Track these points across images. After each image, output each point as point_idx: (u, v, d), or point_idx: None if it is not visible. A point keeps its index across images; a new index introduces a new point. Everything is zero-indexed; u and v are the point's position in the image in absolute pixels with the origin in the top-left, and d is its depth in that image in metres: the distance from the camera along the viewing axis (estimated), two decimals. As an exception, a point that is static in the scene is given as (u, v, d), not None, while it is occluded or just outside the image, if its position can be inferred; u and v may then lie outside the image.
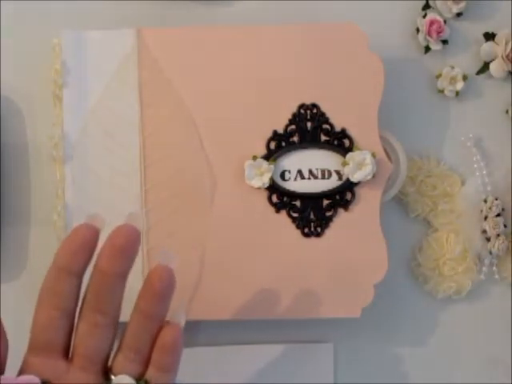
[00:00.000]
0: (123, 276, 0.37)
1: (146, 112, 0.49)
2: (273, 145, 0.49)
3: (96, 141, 0.49)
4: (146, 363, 0.38)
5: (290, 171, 0.49)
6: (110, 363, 0.38)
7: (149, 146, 0.49)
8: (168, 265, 0.37)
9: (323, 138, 0.49)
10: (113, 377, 0.38)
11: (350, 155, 0.48)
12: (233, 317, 0.49)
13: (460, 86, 0.52)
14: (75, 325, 0.38)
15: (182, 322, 0.39)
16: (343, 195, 0.48)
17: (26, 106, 0.52)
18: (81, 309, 0.37)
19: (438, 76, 0.52)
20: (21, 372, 0.37)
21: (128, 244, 0.36)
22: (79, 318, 0.37)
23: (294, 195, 0.48)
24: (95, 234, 0.36)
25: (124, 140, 0.49)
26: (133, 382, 0.37)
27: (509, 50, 0.51)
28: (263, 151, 0.49)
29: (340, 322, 0.51)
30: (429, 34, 0.51)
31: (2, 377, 0.35)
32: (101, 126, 0.49)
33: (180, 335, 0.38)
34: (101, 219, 0.37)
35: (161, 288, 0.37)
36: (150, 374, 0.38)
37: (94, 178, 0.49)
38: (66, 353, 0.38)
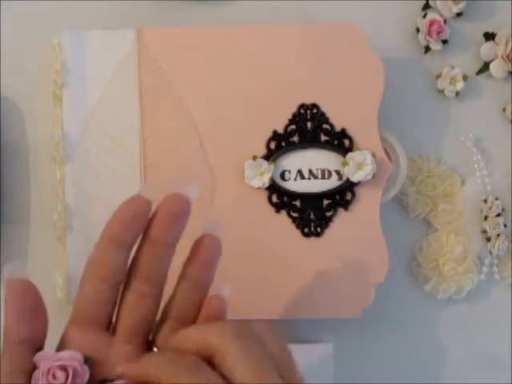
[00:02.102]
0: (174, 245, 0.36)
1: (146, 112, 0.49)
2: (273, 145, 0.49)
3: (96, 141, 0.49)
4: None
5: (290, 171, 0.49)
6: (152, 336, 0.37)
7: (149, 146, 0.49)
8: (215, 234, 0.37)
9: (323, 137, 0.49)
10: (156, 349, 0.37)
11: (349, 155, 0.48)
12: (232, 317, 0.49)
13: (460, 86, 0.52)
14: (119, 297, 0.36)
15: (227, 294, 0.38)
16: (343, 195, 0.48)
17: (25, 106, 0.52)
18: (127, 279, 0.36)
19: (438, 76, 0.52)
20: (61, 346, 0.36)
21: (181, 211, 0.36)
22: (125, 289, 0.36)
23: (294, 195, 0.48)
24: (148, 205, 0.36)
25: (124, 140, 0.49)
26: None
27: (509, 50, 0.51)
28: (263, 151, 0.49)
29: (340, 322, 0.51)
30: (429, 34, 0.51)
31: (42, 352, 0.34)
32: (101, 126, 0.49)
33: (226, 306, 0.37)
34: (154, 191, 0.36)
35: (209, 257, 0.37)
36: None
37: (93, 178, 0.49)
38: (109, 326, 0.36)
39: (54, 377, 0.33)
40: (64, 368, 0.34)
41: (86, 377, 0.34)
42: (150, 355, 0.35)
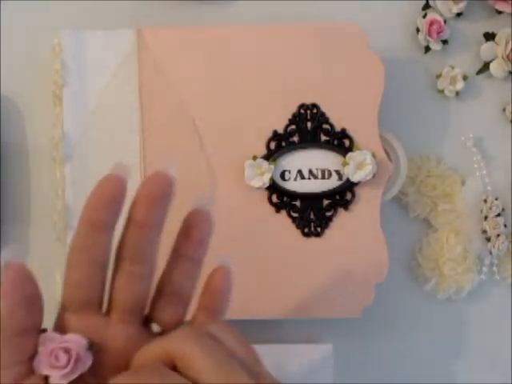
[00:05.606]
0: (160, 225, 0.35)
1: (145, 112, 0.49)
2: (273, 145, 0.49)
3: (96, 141, 0.49)
4: (186, 305, 0.37)
5: (290, 171, 0.49)
6: (149, 311, 0.37)
7: (149, 146, 0.49)
8: (205, 208, 0.37)
9: (323, 137, 0.49)
10: (154, 324, 0.37)
11: (349, 155, 0.48)
12: (232, 317, 0.49)
13: (460, 86, 0.52)
14: (110, 278, 0.36)
15: (232, 267, 0.37)
16: (343, 195, 0.48)
17: (25, 106, 0.52)
18: (116, 261, 0.36)
19: (438, 76, 0.52)
20: (57, 330, 0.35)
21: (163, 192, 0.35)
22: (115, 270, 0.36)
23: (294, 195, 0.48)
24: (123, 184, 0.35)
25: (124, 140, 0.49)
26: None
27: (509, 49, 0.51)
28: (263, 151, 0.49)
29: (340, 322, 0.51)
30: (429, 34, 0.51)
31: (47, 334, 0.34)
32: (101, 126, 0.49)
33: (231, 278, 0.37)
34: (126, 168, 0.35)
35: (202, 235, 0.36)
36: (199, 318, 0.37)
37: (94, 178, 0.48)
38: (101, 308, 0.36)
39: (57, 358, 0.33)
40: (68, 351, 0.33)
41: (88, 363, 0.33)
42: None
